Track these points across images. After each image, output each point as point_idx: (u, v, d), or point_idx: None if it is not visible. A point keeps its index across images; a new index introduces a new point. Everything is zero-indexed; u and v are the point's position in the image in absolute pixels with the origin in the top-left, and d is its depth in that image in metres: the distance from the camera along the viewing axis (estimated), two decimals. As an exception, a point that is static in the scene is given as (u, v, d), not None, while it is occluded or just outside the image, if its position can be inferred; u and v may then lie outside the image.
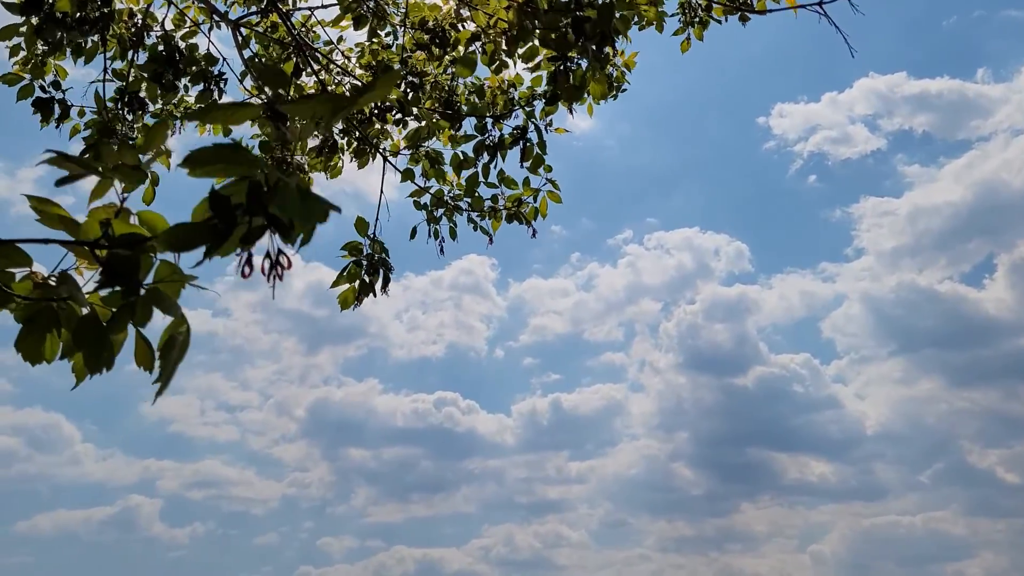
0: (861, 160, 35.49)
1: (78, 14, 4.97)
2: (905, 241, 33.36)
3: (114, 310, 1.44)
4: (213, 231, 1.23)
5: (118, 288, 1.40)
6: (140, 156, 1.39)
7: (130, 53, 5.41)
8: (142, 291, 1.37)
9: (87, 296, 1.50)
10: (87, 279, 1.53)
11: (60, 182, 1.29)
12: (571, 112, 4.26)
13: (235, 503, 31.34)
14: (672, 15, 5.33)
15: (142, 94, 5.59)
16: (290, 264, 1.37)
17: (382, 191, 5.11)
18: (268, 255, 1.35)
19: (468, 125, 5.29)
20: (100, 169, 1.42)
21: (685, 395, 32.34)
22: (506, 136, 5.15)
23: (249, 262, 1.24)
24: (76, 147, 5.49)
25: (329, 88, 5.69)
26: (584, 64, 3.96)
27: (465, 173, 5.30)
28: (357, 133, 5.62)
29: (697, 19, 5.22)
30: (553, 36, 3.86)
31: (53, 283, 1.56)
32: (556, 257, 39.08)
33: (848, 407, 31.77)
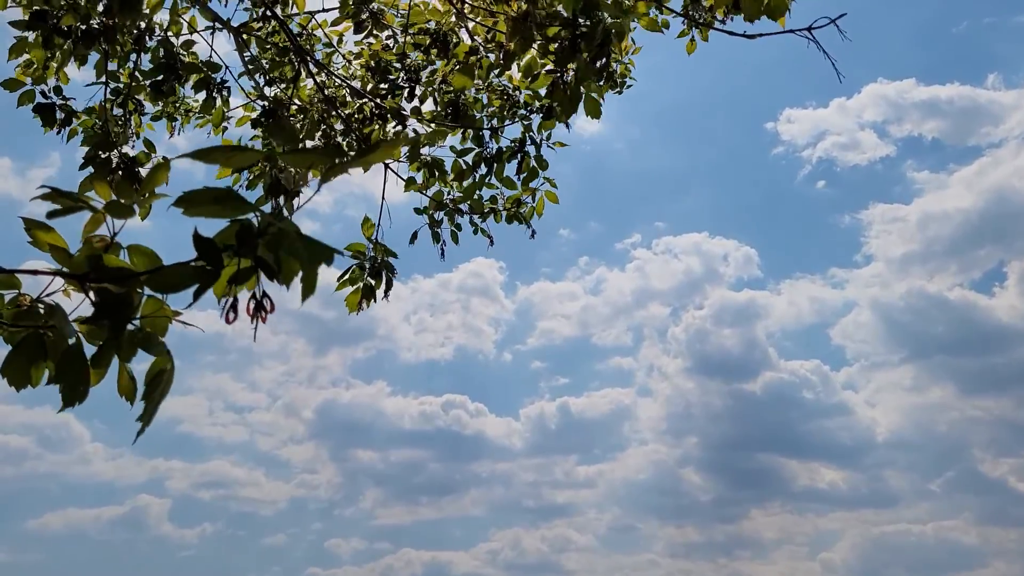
0: (870, 166, 35.33)
1: (83, 27, 5.01)
2: (915, 248, 33.17)
3: (100, 343, 1.47)
4: (201, 273, 1.26)
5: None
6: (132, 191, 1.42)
7: (132, 56, 5.44)
8: (130, 328, 1.40)
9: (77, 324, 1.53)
10: (75, 305, 1.56)
11: (51, 215, 1.32)
12: (567, 127, 4.29)
13: (244, 504, 31.48)
14: (675, 16, 5.33)
15: (140, 97, 5.63)
16: (273, 307, 1.40)
17: (383, 198, 5.14)
18: (253, 296, 1.38)
19: (468, 135, 5.30)
20: (92, 204, 1.46)
21: (694, 400, 32.25)
22: (504, 149, 5.16)
23: (234, 307, 1.27)
24: (79, 151, 5.54)
25: (328, 92, 5.71)
26: (579, 79, 3.97)
27: (465, 182, 5.31)
28: (357, 135, 5.64)
29: (702, 21, 5.21)
30: (551, 48, 3.87)
31: (42, 308, 1.59)
32: (564, 260, 39.09)
33: (859, 414, 31.61)
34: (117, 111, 5.53)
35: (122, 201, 1.47)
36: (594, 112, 4.08)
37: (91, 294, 1.43)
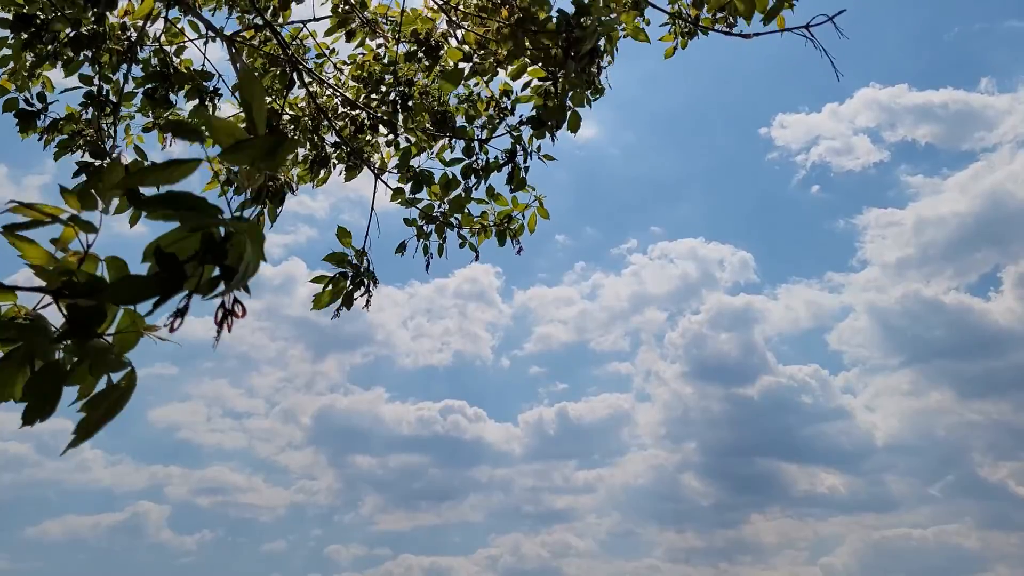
0: (864, 171, 35.46)
1: (72, 32, 4.99)
2: (910, 252, 33.33)
3: (74, 360, 1.43)
4: (161, 284, 1.22)
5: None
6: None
7: (123, 67, 5.42)
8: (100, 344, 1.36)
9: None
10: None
11: (12, 228, 1.29)
12: (553, 139, 4.27)
13: (243, 510, 31.48)
14: (662, 25, 5.34)
15: (134, 109, 5.61)
16: (244, 312, 1.36)
17: (373, 208, 5.10)
18: (223, 304, 1.34)
19: (457, 146, 5.28)
20: (60, 217, 1.42)
21: (692, 405, 32.36)
22: (493, 160, 5.13)
23: (181, 314, 1.23)
24: (72, 157, 5.49)
25: (319, 101, 5.69)
26: (568, 87, 3.96)
27: (451, 193, 5.28)
28: (349, 148, 5.62)
29: (686, 31, 5.21)
30: (543, 57, 3.86)
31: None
32: (561, 266, 39.24)
33: (858, 418, 31.73)
34: (100, 118, 5.50)
35: (84, 212, 1.43)
36: (574, 127, 4.07)
37: (65, 312, 1.40)
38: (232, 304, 1.31)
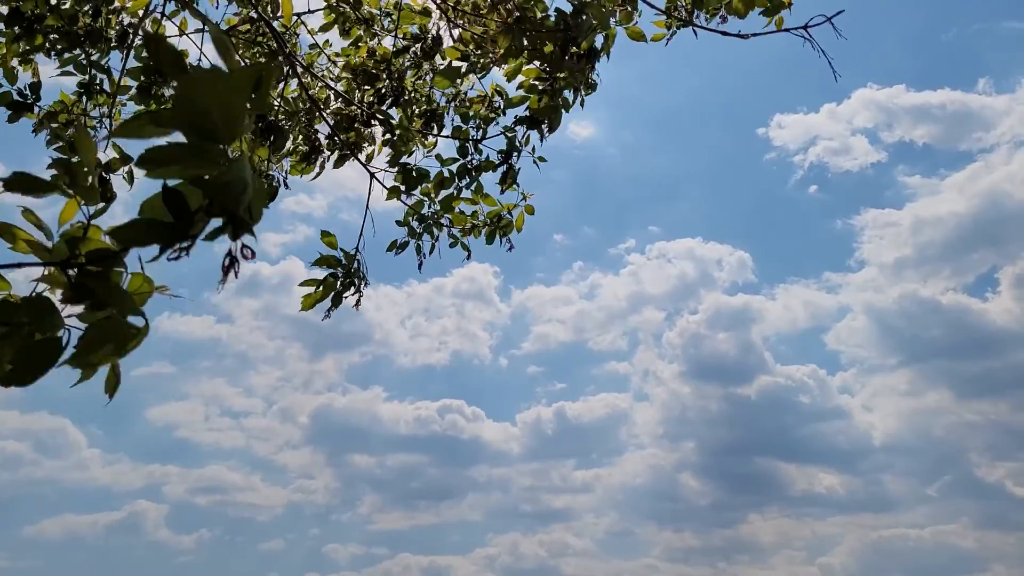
0: (862, 171, 35.66)
1: (67, 29, 4.97)
2: (907, 252, 33.47)
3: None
4: (169, 229, 1.22)
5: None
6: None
7: (113, 53, 5.39)
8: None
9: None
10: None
11: (13, 187, 1.28)
12: (542, 137, 4.29)
13: (241, 509, 31.33)
14: (654, 21, 5.34)
15: (127, 97, 5.58)
16: (253, 255, 1.34)
17: (368, 207, 5.09)
18: (230, 252, 1.33)
19: (451, 147, 5.28)
20: (62, 187, 1.41)
21: (690, 405, 32.37)
22: (487, 160, 5.12)
23: (186, 250, 1.22)
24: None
25: (311, 92, 5.68)
26: (564, 86, 3.97)
27: (444, 192, 5.27)
28: (343, 137, 5.60)
29: (680, 24, 5.22)
30: (539, 55, 3.88)
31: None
32: (558, 265, 39.23)
33: (855, 418, 31.81)
34: (92, 110, 5.47)
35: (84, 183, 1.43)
36: (565, 107, 4.09)
37: (72, 278, 1.38)
38: (240, 249, 1.30)
